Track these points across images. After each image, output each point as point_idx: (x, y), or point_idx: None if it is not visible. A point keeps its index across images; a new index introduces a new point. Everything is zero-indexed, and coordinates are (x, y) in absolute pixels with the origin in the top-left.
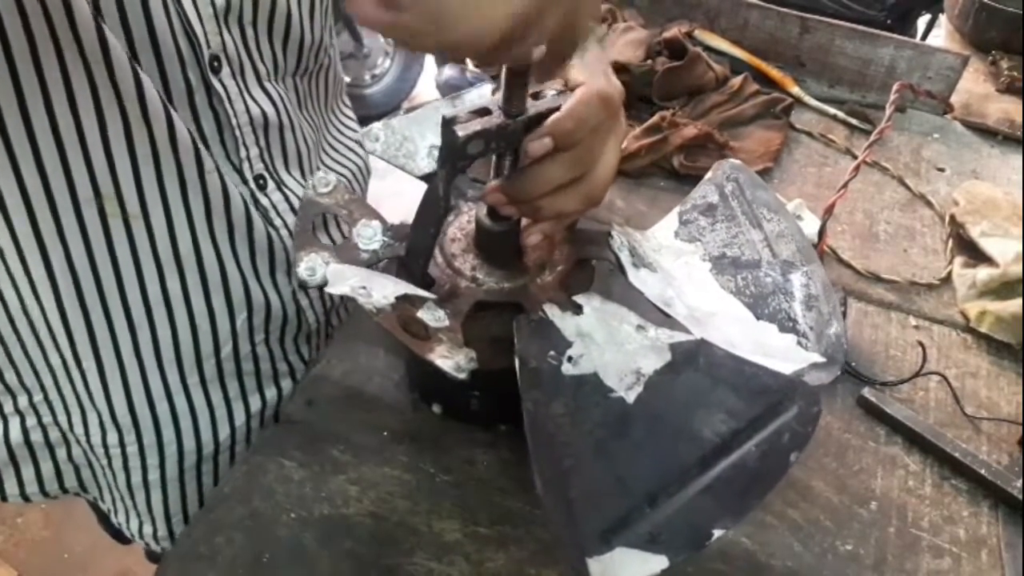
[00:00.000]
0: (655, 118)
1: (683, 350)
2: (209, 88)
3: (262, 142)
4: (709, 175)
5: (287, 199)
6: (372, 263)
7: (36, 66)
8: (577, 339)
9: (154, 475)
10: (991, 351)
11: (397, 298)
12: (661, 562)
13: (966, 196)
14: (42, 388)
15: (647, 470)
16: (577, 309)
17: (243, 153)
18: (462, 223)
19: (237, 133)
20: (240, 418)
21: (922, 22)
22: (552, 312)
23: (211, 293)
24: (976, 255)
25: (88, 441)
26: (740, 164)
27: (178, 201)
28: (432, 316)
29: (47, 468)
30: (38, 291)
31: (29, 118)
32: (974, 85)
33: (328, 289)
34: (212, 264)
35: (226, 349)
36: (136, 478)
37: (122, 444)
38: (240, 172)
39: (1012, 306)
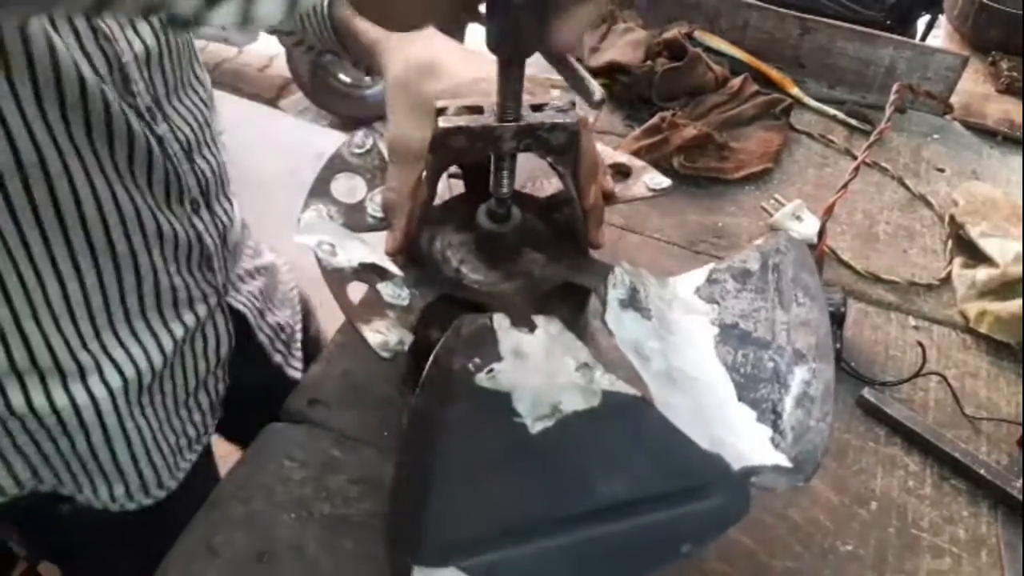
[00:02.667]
0: (655, 119)
1: (615, 401)
2: (95, 28)
3: (146, 74)
4: (760, 241)
5: (173, 131)
6: (375, 230)
7: None
8: (510, 356)
9: (111, 420)
10: (991, 351)
11: (363, 264)
12: None
13: (966, 196)
14: None
15: (519, 505)
16: (530, 328)
17: (134, 88)
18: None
19: (127, 71)
20: (168, 345)
21: (922, 23)
22: (499, 322)
23: (131, 234)
24: (976, 255)
25: (35, 413)
26: (799, 241)
27: (87, 148)
28: (392, 292)
29: None
30: None
31: None
32: (974, 86)
33: (296, 238)
34: (127, 203)
35: (147, 282)
36: (96, 435)
37: (71, 397)
38: (136, 108)
39: (1012, 306)
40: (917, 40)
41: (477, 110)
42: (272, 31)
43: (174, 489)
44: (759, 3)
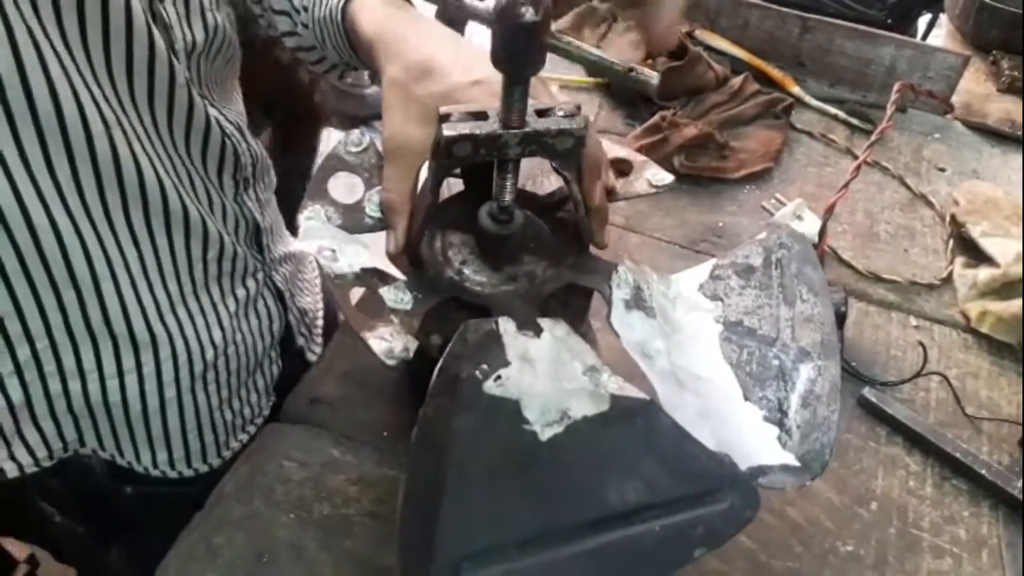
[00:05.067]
0: (655, 118)
1: (624, 405)
2: (155, 14)
3: (192, 70)
4: (763, 235)
5: (222, 113)
6: (374, 230)
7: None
8: (517, 361)
9: (170, 392)
10: (992, 351)
11: (364, 269)
12: None
13: (967, 196)
14: (48, 332)
15: (531, 514)
16: (536, 331)
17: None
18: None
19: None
20: (225, 319)
21: (922, 22)
22: (505, 327)
23: (199, 200)
24: (977, 255)
25: (100, 373)
26: (800, 235)
27: (147, 117)
28: (395, 297)
29: (48, 426)
30: (56, 203)
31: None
32: (975, 85)
33: (297, 243)
34: (184, 171)
35: (214, 249)
36: (153, 402)
37: (139, 366)
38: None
39: (1013, 306)
40: (918, 39)
41: (481, 115)
42: (295, 48)
43: (218, 466)
44: (760, 2)
